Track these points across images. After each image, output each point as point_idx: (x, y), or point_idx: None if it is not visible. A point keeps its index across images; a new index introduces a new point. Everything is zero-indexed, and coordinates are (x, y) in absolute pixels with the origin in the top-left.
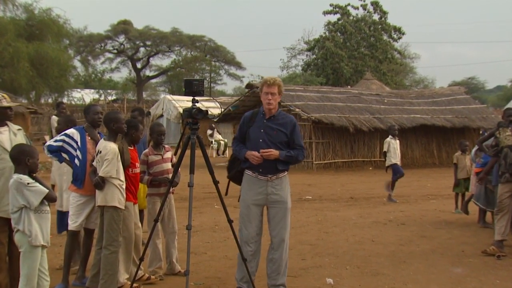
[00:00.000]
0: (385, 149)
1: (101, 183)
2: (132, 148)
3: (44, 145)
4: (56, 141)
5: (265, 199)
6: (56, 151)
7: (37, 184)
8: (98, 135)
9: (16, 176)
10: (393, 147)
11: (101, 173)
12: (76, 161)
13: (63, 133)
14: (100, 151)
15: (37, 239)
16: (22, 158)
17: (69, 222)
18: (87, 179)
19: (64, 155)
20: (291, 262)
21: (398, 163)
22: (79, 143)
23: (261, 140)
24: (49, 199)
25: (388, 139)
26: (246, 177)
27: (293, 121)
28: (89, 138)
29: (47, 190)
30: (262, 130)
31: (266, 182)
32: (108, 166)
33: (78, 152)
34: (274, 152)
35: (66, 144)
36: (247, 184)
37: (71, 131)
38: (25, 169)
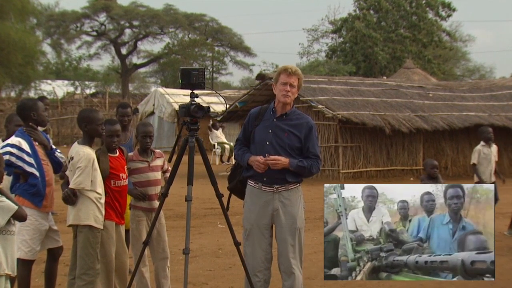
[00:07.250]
0: (473, 160)
1: (72, 196)
2: (117, 155)
3: None
4: None
5: (272, 216)
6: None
7: (5, 198)
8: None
9: None
10: (485, 158)
11: (72, 184)
12: (32, 174)
13: (5, 143)
14: (72, 157)
15: (1, 267)
16: None
17: (23, 249)
18: (47, 195)
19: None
20: None
21: (489, 180)
22: (30, 153)
23: (267, 143)
24: (18, 217)
25: (478, 147)
26: (249, 189)
27: (310, 123)
28: (36, 143)
29: (16, 207)
30: (270, 131)
31: (273, 194)
32: (80, 176)
33: (33, 163)
34: (282, 160)
35: (14, 158)
36: (250, 198)
37: (16, 140)
38: None
